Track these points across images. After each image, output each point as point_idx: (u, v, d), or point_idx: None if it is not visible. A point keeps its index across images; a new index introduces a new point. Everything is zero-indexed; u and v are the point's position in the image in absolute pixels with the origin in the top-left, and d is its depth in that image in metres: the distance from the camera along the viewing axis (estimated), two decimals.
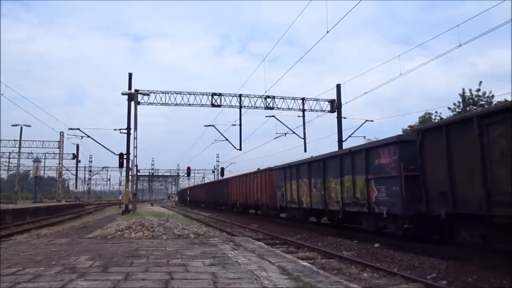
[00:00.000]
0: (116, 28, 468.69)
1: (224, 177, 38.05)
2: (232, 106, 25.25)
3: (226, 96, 25.17)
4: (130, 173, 24.25)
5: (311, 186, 16.18)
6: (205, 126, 27.93)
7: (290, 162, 19.01)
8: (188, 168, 53.71)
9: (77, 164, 59.23)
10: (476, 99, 28.40)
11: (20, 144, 39.92)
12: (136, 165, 25.25)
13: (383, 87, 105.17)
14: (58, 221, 22.47)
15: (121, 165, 25.11)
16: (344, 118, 25.80)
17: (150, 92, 24.10)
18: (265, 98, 25.41)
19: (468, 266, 7.96)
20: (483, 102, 28.07)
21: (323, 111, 26.17)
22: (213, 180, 52.40)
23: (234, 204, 30.33)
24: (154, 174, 79.03)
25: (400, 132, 27.96)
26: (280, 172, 20.14)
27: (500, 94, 45.36)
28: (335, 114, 25.87)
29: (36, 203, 36.59)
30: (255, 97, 25.39)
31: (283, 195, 19.25)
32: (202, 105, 24.89)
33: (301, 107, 25.94)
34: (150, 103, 24.35)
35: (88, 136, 27.89)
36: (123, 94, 23.47)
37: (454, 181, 8.83)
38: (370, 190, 12.01)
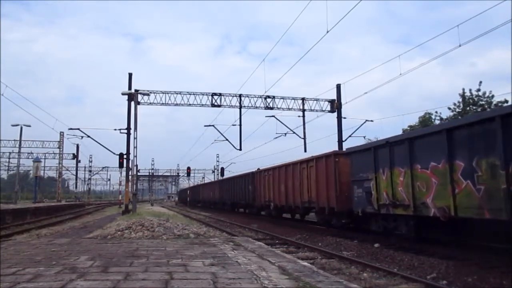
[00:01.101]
0: (116, 28, 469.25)
1: (249, 170, 27.15)
2: (232, 106, 25.24)
3: (226, 96, 25.17)
4: (130, 173, 24.24)
5: (454, 174, 8.84)
6: (205, 126, 27.91)
7: (389, 137, 11.59)
8: (188, 168, 53.69)
9: (77, 164, 59.31)
10: (476, 99, 28.41)
11: (20, 144, 39.98)
12: (136, 165, 25.27)
13: (383, 87, 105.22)
14: (58, 221, 22.48)
15: (121, 165, 25.09)
16: (344, 118, 25.79)
17: (150, 92, 24.09)
18: (265, 98, 25.41)
19: (468, 266, 7.96)
20: (483, 102, 28.09)
21: (323, 111, 26.16)
22: (224, 177, 40.11)
23: (265, 206, 22.78)
24: (154, 174, 79.04)
25: (400, 132, 27.98)
26: (362, 156, 12.65)
27: (500, 94, 45.31)
28: (335, 114, 25.85)
29: (36, 203, 36.59)
30: (255, 97, 25.39)
31: (370, 193, 12.11)
32: (202, 105, 24.89)
33: (301, 107, 25.93)
34: (150, 103, 24.34)
35: (88, 136, 27.89)
36: (123, 94, 23.46)
37: None
38: None
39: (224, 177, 35.67)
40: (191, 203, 55.57)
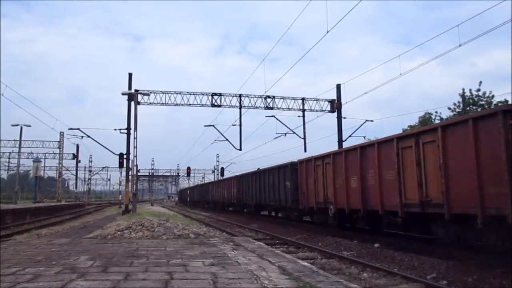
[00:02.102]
0: (116, 28, 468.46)
1: (291, 160, 19.77)
2: (232, 106, 25.27)
3: (226, 96, 25.19)
4: (130, 173, 24.25)
5: None
6: (205, 126, 27.95)
7: None
8: (188, 168, 53.77)
9: (77, 164, 59.30)
10: (476, 99, 28.44)
11: (20, 144, 40.02)
12: (136, 165, 25.28)
13: (383, 87, 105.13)
14: (58, 221, 22.49)
15: (121, 165, 25.11)
16: (344, 118, 25.83)
17: (150, 92, 24.11)
18: (265, 98, 25.42)
19: (468, 266, 7.96)
20: (483, 102, 28.11)
21: (323, 111, 26.19)
22: (245, 171, 30.17)
23: (316, 210, 16.04)
24: (154, 174, 79.09)
25: (400, 131, 27.88)
26: None
27: (500, 94, 45.40)
28: (335, 114, 25.88)
29: (36, 203, 36.60)
30: (255, 97, 25.41)
31: None
32: (202, 105, 24.90)
33: (301, 107, 25.94)
34: (150, 103, 24.36)
35: (88, 136, 27.95)
36: (123, 94, 23.48)
37: None
38: None
39: (246, 171, 28.68)
40: (197, 204, 52.08)
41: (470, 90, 28.73)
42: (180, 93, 24.65)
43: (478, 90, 28.43)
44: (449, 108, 29.62)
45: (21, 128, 37.42)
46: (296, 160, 18.38)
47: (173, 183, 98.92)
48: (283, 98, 25.86)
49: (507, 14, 13.69)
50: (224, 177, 41.54)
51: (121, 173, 41.77)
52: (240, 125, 25.43)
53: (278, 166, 20.87)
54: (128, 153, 24.11)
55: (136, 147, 23.01)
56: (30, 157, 50.00)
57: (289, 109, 25.88)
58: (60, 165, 52.46)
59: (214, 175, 70.44)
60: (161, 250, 7.20)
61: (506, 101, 26.18)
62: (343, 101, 25.59)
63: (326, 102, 26.10)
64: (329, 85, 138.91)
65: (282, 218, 21.57)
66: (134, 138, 22.98)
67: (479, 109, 26.74)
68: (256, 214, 25.65)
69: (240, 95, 25.22)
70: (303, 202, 17.07)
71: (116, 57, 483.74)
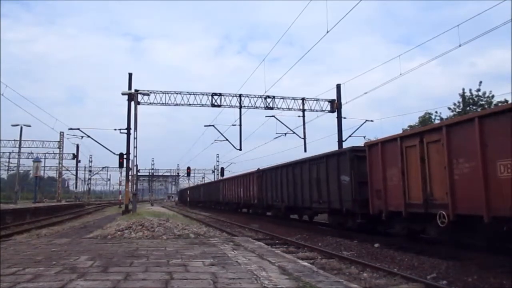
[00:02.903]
0: (116, 28, 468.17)
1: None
2: (232, 106, 25.28)
3: (226, 96, 25.20)
4: (130, 173, 24.25)
5: None
6: (205, 126, 27.97)
7: None
8: (188, 168, 53.70)
9: (77, 164, 59.28)
10: (476, 99, 28.42)
11: (20, 144, 40.03)
12: (136, 165, 25.30)
13: (383, 87, 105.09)
14: (58, 221, 22.49)
15: (121, 165, 25.12)
16: (344, 118, 25.85)
17: (150, 92, 24.12)
18: (265, 98, 25.43)
19: (468, 266, 7.96)
20: (483, 102, 28.09)
21: (323, 111, 26.20)
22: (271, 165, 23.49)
23: (407, 215, 10.43)
24: (154, 174, 79.13)
25: (400, 131, 27.83)
26: None
27: (500, 94, 45.47)
28: (335, 114, 25.89)
29: (36, 203, 36.61)
30: (255, 97, 25.42)
31: None
32: (202, 105, 24.91)
33: (301, 107, 25.95)
34: (150, 103, 24.37)
35: (88, 136, 27.97)
36: (123, 94, 23.50)
37: None
38: None
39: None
40: (199, 205, 50.69)
41: (470, 90, 28.72)
42: (180, 93, 24.66)
43: (478, 90, 28.42)
44: (449, 108, 29.61)
45: (21, 128, 37.47)
46: (361, 145, 13.65)
47: (173, 183, 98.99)
48: (283, 98, 25.89)
49: (507, 14, 13.70)
50: (239, 173, 33.79)
51: (121, 173, 41.65)
52: (240, 125, 25.47)
53: (326, 155, 15.41)
54: (128, 153, 24.12)
55: (136, 147, 23.05)
56: (30, 157, 50.05)
57: (289, 109, 25.91)
58: (60, 165, 52.47)
59: (214, 175, 70.55)
60: (161, 250, 7.20)
61: (506, 101, 26.17)
62: (343, 101, 25.64)
63: (326, 102, 26.11)
64: (329, 85, 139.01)
65: (282, 219, 21.43)
66: (134, 138, 23.01)
67: (479, 109, 26.75)
68: (286, 218, 20.60)
69: (240, 95, 25.23)
70: (377, 204, 11.82)
71: (116, 57, 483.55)
